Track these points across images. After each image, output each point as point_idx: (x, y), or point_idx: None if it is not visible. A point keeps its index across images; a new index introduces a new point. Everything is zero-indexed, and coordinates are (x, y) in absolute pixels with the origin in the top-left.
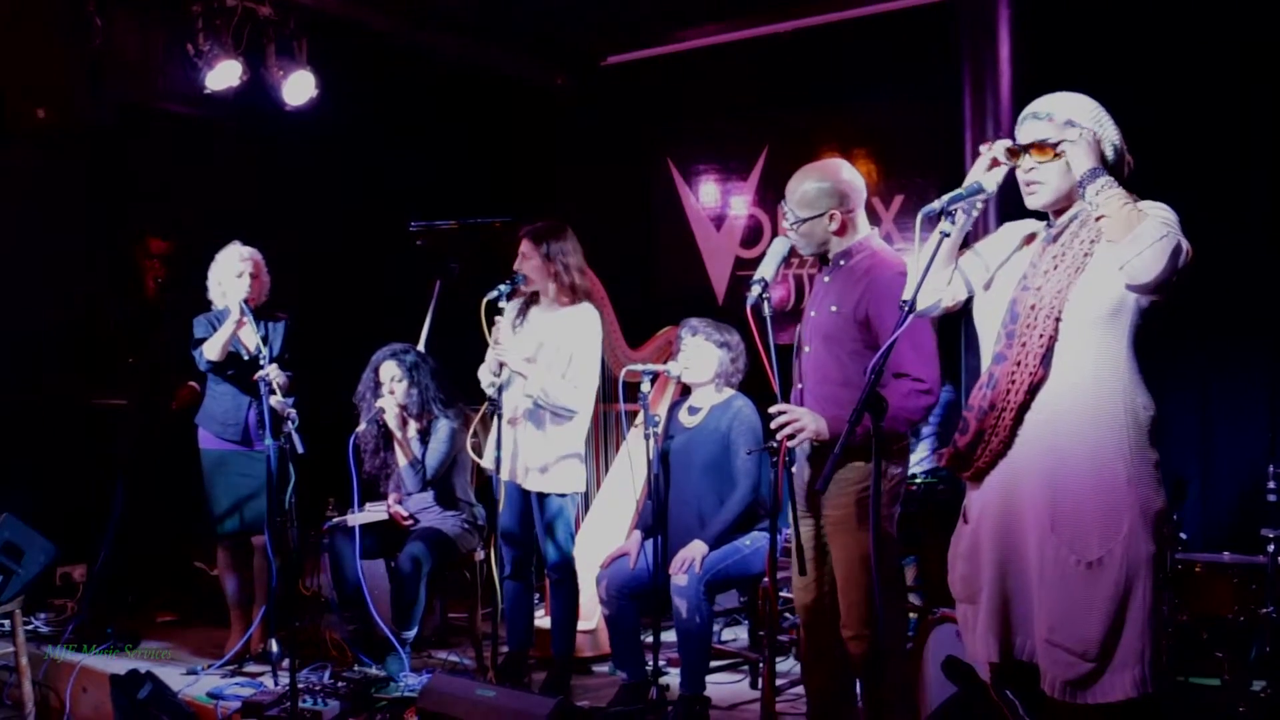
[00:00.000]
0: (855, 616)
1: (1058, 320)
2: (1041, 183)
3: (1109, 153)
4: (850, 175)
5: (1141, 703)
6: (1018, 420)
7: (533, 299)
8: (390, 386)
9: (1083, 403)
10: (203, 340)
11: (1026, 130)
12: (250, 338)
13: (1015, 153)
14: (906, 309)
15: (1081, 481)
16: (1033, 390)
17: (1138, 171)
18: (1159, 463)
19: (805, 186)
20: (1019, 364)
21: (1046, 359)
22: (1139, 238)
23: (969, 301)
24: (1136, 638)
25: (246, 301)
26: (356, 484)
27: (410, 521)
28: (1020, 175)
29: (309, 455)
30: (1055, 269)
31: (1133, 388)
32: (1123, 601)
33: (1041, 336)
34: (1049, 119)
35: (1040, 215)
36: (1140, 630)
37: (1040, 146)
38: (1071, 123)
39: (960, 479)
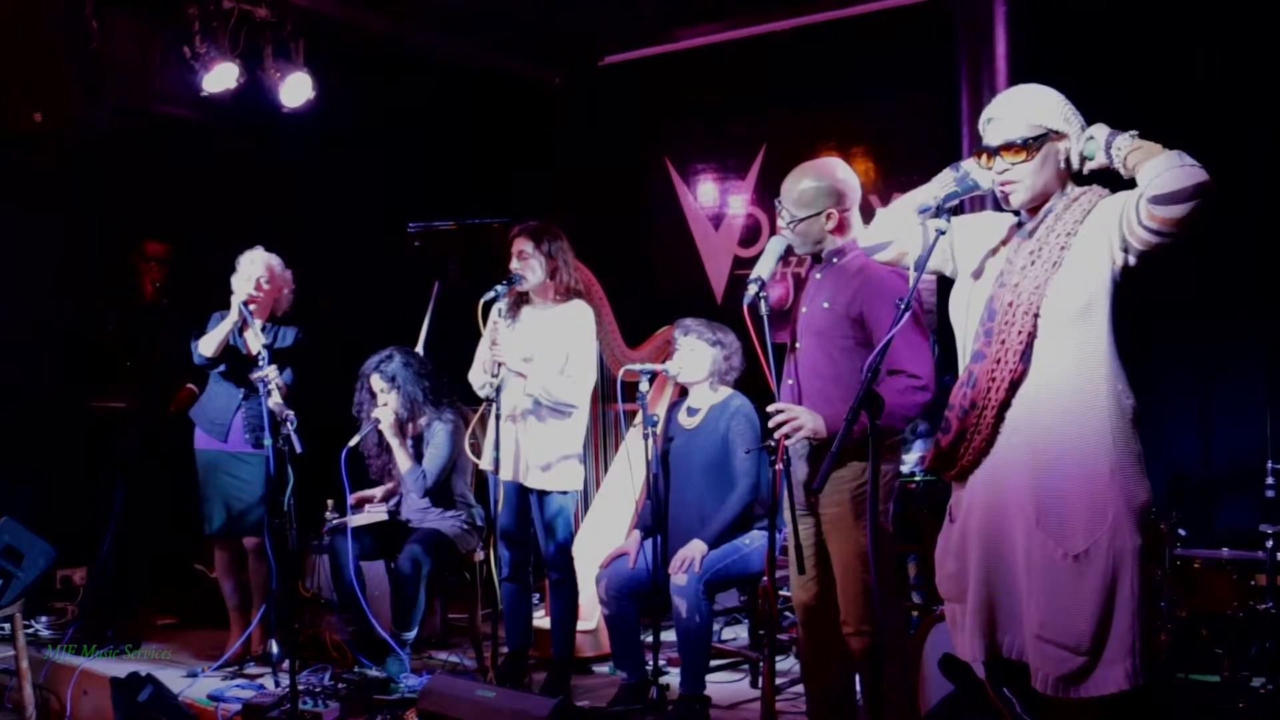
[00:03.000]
0: (855, 613)
1: (1036, 317)
2: (1017, 181)
3: (1076, 155)
4: (846, 174)
5: (1134, 695)
6: (999, 418)
7: (522, 299)
8: (383, 398)
9: (1064, 396)
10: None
11: (993, 132)
12: (255, 341)
13: (987, 155)
14: (903, 307)
15: (1065, 474)
16: (1013, 387)
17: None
18: (1141, 454)
19: (802, 185)
20: (999, 361)
21: (1026, 355)
22: (1173, 156)
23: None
24: (1126, 630)
25: (247, 305)
26: (349, 493)
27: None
28: (995, 178)
29: (308, 457)
30: (1032, 265)
31: (1113, 378)
32: (1110, 593)
33: (1020, 333)
34: (1016, 119)
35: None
36: (1129, 623)
37: (1011, 147)
38: (1041, 125)
39: (944, 479)
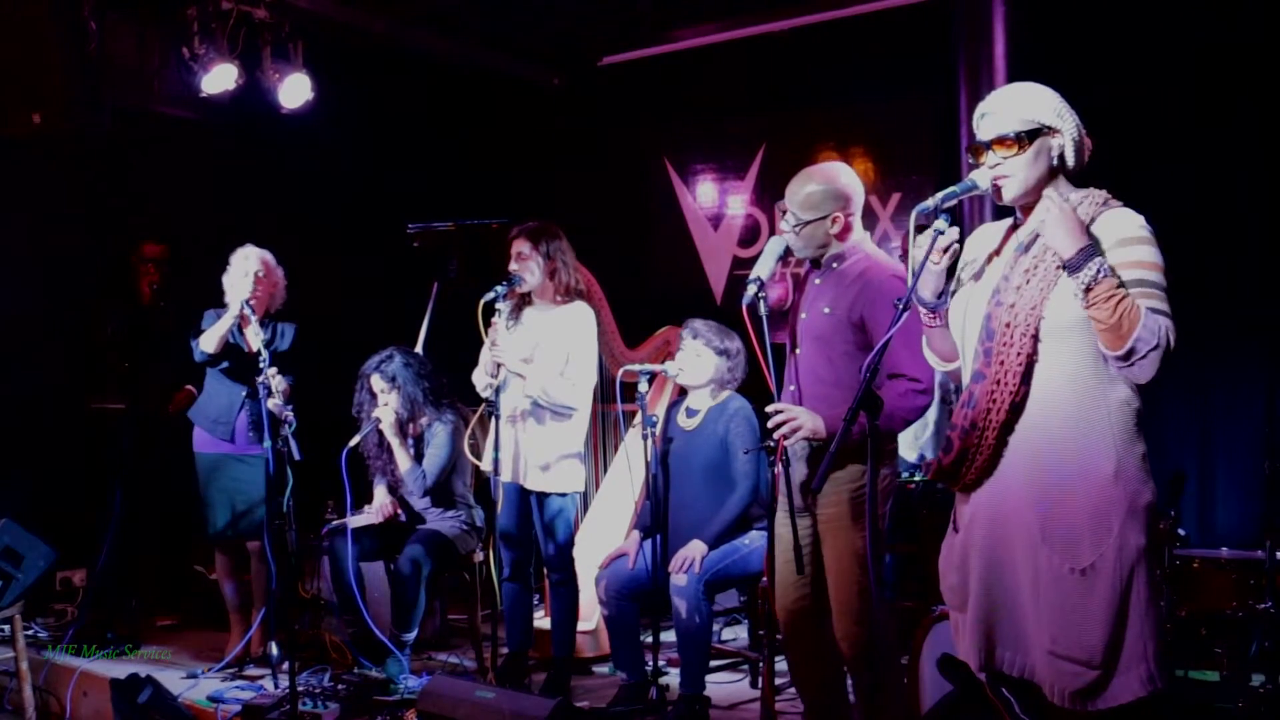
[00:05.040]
0: (849, 615)
1: (1035, 338)
2: (1009, 175)
3: (1071, 152)
4: (851, 179)
5: (1148, 699)
6: (1001, 439)
7: (525, 300)
8: (383, 399)
9: (1065, 408)
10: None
11: (985, 126)
12: (255, 338)
13: (979, 150)
14: (901, 308)
15: (1069, 486)
16: (1014, 408)
17: (1135, 171)
18: (1146, 454)
19: (809, 189)
20: (998, 383)
21: (1026, 376)
22: (1140, 342)
23: None
24: (1138, 637)
25: (249, 301)
26: (350, 493)
27: (394, 514)
28: (986, 173)
29: (308, 459)
30: (1027, 283)
31: (1111, 383)
32: (1120, 604)
33: (1019, 355)
34: (1009, 114)
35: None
36: (1141, 628)
37: (1003, 141)
38: (1034, 120)
39: (949, 490)
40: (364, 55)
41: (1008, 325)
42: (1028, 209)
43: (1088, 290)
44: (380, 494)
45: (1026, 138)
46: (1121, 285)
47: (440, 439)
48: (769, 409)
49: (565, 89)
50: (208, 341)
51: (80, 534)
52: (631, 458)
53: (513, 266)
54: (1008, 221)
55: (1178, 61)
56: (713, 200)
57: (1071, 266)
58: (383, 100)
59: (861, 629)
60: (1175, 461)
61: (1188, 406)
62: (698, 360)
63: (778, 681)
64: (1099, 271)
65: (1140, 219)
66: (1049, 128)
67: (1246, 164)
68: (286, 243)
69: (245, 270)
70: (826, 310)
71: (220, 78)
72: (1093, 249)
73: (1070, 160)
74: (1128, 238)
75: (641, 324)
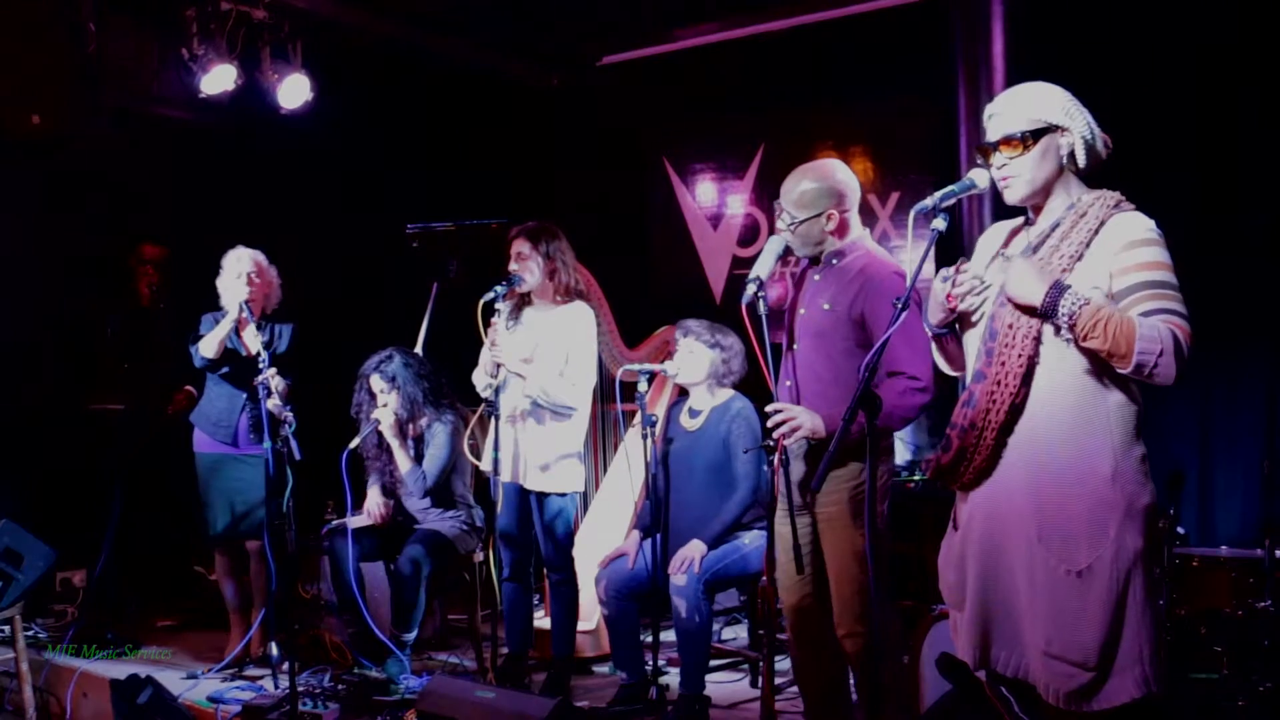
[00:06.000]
0: (849, 614)
1: (1037, 340)
2: (1015, 175)
3: (1081, 151)
4: (845, 175)
5: (1144, 701)
6: (1000, 440)
7: (524, 300)
8: (383, 399)
9: (1065, 410)
10: (202, 337)
11: (993, 127)
12: (253, 340)
13: (987, 151)
14: (900, 307)
15: (1068, 487)
16: (1014, 410)
17: (1135, 172)
18: (1145, 456)
19: (802, 187)
20: (999, 383)
21: (1027, 378)
22: (1144, 355)
23: None
24: (1133, 638)
25: (247, 303)
26: (350, 495)
27: (386, 515)
28: (994, 173)
29: (308, 460)
30: None
31: (1111, 386)
32: (1116, 606)
33: (1020, 356)
34: (1016, 114)
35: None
36: (1136, 630)
37: (1009, 141)
38: (1041, 120)
39: (948, 489)
40: (364, 55)
41: (1010, 326)
42: (1038, 209)
43: (1072, 327)
44: (373, 495)
45: (1032, 137)
46: (1104, 307)
47: (440, 439)
48: (768, 408)
49: (564, 89)
50: (207, 346)
51: (80, 534)
52: (631, 458)
53: (512, 266)
54: (1019, 220)
55: (1177, 61)
56: (712, 200)
57: (1046, 311)
58: (382, 100)
59: (864, 627)
60: (1175, 460)
61: (1187, 405)
62: (691, 357)
63: (778, 681)
64: (1074, 303)
65: (1150, 222)
66: (1056, 126)
67: (1246, 163)
68: (286, 243)
69: (238, 271)
70: (826, 306)
71: (219, 78)
72: (1059, 285)
73: (1081, 159)
74: (1135, 240)
75: (641, 324)
